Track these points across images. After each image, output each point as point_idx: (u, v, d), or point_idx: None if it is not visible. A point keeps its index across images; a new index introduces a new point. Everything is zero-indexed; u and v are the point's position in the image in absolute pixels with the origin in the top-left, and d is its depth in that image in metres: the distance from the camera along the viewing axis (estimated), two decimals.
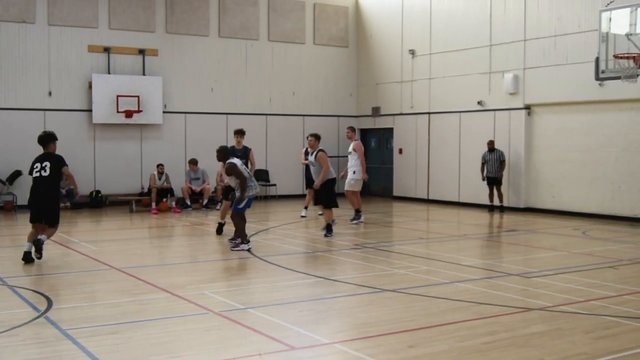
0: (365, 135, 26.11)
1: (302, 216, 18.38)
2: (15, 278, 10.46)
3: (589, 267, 11.32)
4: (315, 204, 15.68)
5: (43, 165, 11.72)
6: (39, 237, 11.64)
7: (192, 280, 10.12)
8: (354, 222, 17.05)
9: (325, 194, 15.01)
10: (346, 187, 17.39)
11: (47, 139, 12.06)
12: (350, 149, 17.40)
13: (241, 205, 12.90)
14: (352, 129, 17.90)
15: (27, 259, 11.58)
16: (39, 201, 11.75)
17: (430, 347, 6.76)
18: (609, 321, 7.81)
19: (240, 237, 13.07)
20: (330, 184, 15.07)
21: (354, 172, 17.19)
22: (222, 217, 15.19)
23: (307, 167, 18.87)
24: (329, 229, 14.87)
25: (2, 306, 8.75)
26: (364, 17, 25.82)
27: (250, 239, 13.42)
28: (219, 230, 15.08)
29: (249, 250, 12.79)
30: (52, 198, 11.85)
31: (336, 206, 15.09)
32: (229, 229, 14.48)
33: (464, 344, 6.86)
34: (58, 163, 11.80)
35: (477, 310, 8.28)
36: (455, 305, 8.53)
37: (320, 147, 15.18)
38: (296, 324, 7.72)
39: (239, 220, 13.03)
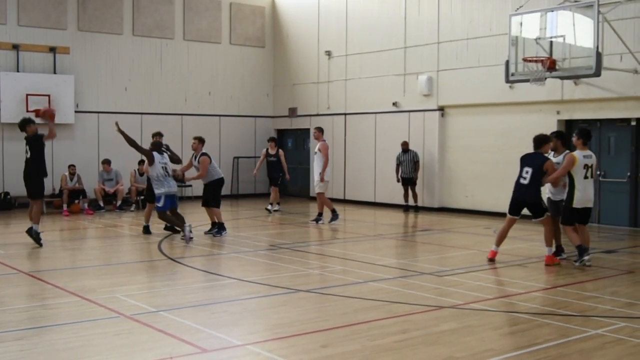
0: (282, 136, 26.12)
1: (268, 210, 20.17)
2: None
3: (499, 265, 11.58)
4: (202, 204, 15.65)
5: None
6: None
7: (103, 284, 9.90)
8: (334, 222, 17.35)
9: (210, 194, 15.18)
10: (316, 190, 17.51)
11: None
12: (316, 149, 17.36)
13: (160, 204, 13.96)
14: (319, 129, 17.73)
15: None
16: None
17: (343, 347, 6.79)
18: (517, 317, 8.00)
19: (179, 227, 14.15)
20: (216, 184, 15.17)
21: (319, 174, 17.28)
22: (147, 220, 15.39)
23: (269, 165, 20.06)
24: (220, 227, 15.02)
25: None
26: (280, 17, 25.81)
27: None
28: (146, 230, 15.34)
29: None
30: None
31: (217, 206, 15.15)
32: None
33: (376, 343, 6.91)
34: None
35: (390, 309, 8.37)
36: (368, 305, 8.60)
37: (204, 151, 15.22)
38: (208, 326, 7.64)
39: (166, 217, 14.20)
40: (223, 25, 24.98)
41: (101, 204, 20.30)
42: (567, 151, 11.75)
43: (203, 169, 14.90)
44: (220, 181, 15.27)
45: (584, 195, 11.27)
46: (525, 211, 11.82)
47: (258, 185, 25.42)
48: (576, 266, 11.26)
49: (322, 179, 17.20)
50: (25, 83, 20.63)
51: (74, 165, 20.45)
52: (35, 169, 13.53)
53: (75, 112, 21.57)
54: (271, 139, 20.52)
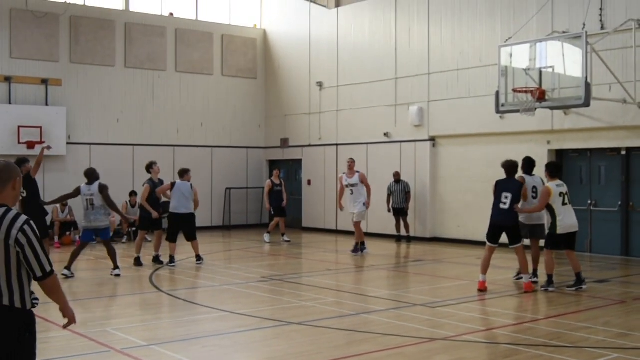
0: (274, 166, 26.14)
1: (287, 240, 20.07)
2: None
3: (491, 295, 11.56)
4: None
5: None
6: None
7: (93, 317, 9.86)
8: (364, 252, 17.37)
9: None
10: (356, 219, 17.31)
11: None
12: (356, 180, 17.21)
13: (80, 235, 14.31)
14: (353, 160, 17.79)
15: None
16: None
17: None
18: (508, 349, 7.98)
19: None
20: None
21: (363, 204, 17.23)
22: (156, 250, 15.65)
23: (275, 195, 20.06)
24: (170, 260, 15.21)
25: None
26: (272, 48, 25.97)
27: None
28: (155, 260, 15.47)
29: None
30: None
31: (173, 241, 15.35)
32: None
33: None
34: None
35: (382, 341, 8.34)
36: (361, 337, 8.57)
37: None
38: (201, 359, 7.61)
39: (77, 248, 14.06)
40: (215, 57, 25.11)
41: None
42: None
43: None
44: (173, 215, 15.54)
45: (567, 220, 11.70)
46: (505, 240, 11.94)
47: (250, 216, 25.40)
48: (549, 291, 11.63)
49: (368, 206, 17.34)
50: (16, 115, 20.64)
51: None
52: (36, 209, 13.65)
53: (67, 143, 21.57)
54: (276, 169, 20.48)
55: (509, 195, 11.83)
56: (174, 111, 24.04)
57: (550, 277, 11.80)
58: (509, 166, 12.14)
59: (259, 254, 18.01)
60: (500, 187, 12.04)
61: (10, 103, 20.93)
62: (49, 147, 16.45)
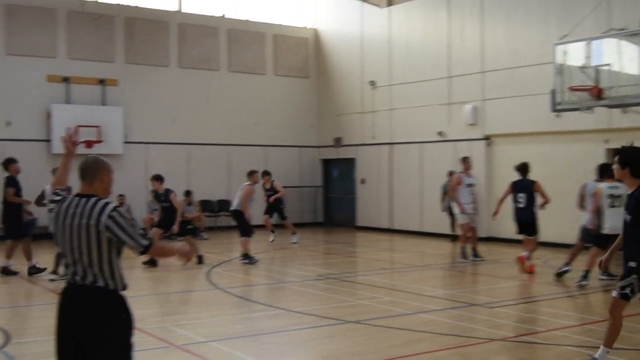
0: (328, 165, 26.18)
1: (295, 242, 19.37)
2: None
3: (551, 296, 11.41)
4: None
5: None
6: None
7: (152, 313, 10.00)
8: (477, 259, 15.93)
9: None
10: (472, 223, 15.99)
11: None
12: (474, 180, 16.14)
13: None
14: (469, 158, 16.49)
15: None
16: None
17: None
18: (569, 351, 7.86)
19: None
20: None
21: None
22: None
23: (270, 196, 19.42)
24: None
25: None
26: (324, 48, 26.00)
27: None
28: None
29: None
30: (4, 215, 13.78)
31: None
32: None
33: None
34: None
35: (439, 341, 8.29)
36: (418, 337, 8.53)
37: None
38: (258, 356, 7.66)
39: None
40: (267, 57, 25.25)
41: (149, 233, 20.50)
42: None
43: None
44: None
45: (611, 223, 11.57)
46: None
47: (304, 214, 25.44)
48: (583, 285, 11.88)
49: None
50: (75, 115, 21.02)
51: (123, 195, 20.75)
52: (14, 209, 13.68)
53: (124, 142, 21.91)
54: (265, 173, 19.75)
55: (524, 195, 13.48)
56: (227, 111, 24.23)
57: (586, 272, 11.96)
58: (522, 167, 13.81)
59: (314, 253, 18.06)
60: (514, 188, 13.65)
61: (68, 103, 21.35)
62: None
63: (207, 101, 23.90)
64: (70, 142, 5.13)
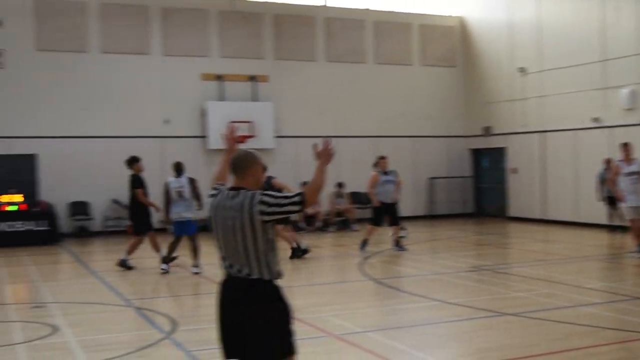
0: (477, 155, 25.76)
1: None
2: (140, 300, 10.83)
3: None
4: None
5: None
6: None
7: (309, 303, 10.20)
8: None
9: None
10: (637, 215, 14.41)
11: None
12: (635, 168, 14.45)
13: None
14: (629, 144, 14.91)
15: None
16: None
17: None
18: None
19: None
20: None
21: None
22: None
23: None
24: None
25: (129, 327, 9.14)
26: (470, 35, 25.56)
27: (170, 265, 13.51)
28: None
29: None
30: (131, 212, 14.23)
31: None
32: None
33: None
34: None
35: (603, 335, 8.00)
36: (580, 330, 8.26)
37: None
38: (415, 347, 7.67)
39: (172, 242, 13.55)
40: (413, 47, 25.13)
41: (302, 225, 20.93)
42: None
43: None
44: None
45: None
46: None
47: (454, 205, 25.18)
48: None
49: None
50: (228, 111, 21.73)
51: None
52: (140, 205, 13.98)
53: (276, 137, 22.45)
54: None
55: None
56: (374, 103, 24.31)
57: None
58: None
59: (465, 244, 17.85)
60: None
61: (222, 100, 22.12)
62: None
63: (355, 94, 24.08)
64: (232, 138, 5.23)
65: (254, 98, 22.59)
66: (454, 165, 25.49)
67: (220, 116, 21.64)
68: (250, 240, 4.51)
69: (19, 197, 18.91)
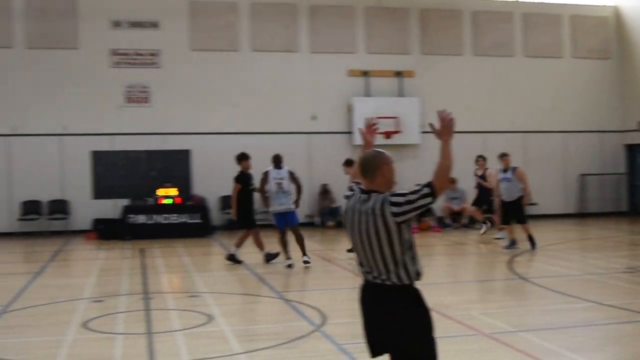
0: (632, 151, 24.58)
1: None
2: (288, 292, 11.07)
3: None
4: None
5: None
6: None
7: (458, 300, 10.08)
8: None
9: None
10: None
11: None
12: None
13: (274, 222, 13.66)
14: None
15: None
16: None
17: None
18: None
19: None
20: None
21: None
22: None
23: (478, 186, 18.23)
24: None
25: (281, 319, 9.37)
26: (626, 26, 24.41)
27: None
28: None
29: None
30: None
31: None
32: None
33: None
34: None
35: None
36: None
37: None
38: (571, 350, 7.42)
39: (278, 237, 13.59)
40: (564, 39, 24.29)
41: (448, 221, 20.73)
42: None
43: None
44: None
45: None
46: None
47: (607, 203, 24.16)
48: None
49: None
50: (374, 107, 21.76)
51: None
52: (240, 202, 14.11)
53: (421, 132, 22.31)
54: (479, 157, 18.58)
55: None
56: (523, 97, 23.69)
57: None
58: None
59: (619, 243, 17.12)
60: None
61: (368, 96, 22.23)
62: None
63: (503, 87, 23.56)
64: (368, 132, 5.11)
65: (400, 93, 22.57)
66: (607, 162, 24.46)
67: (366, 112, 21.67)
68: (386, 245, 4.39)
69: (174, 191, 19.77)
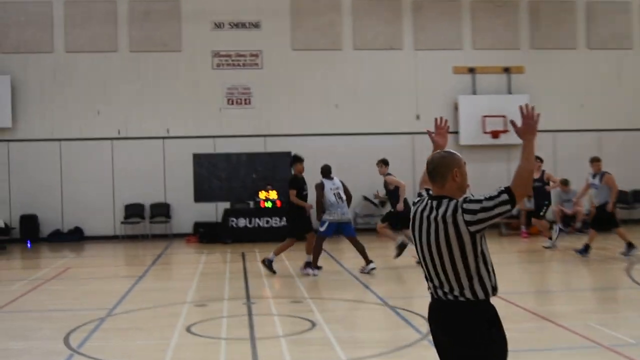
0: None
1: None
2: (394, 299, 10.54)
3: None
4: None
5: None
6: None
7: (573, 310, 9.36)
8: None
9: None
10: None
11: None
12: None
13: (323, 229, 12.87)
14: None
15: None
16: None
17: None
18: None
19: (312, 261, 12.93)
20: None
21: None
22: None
23: None
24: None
25: (384, 326, 9.02)
26: None
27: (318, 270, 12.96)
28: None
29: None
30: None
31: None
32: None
33: None
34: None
35: None
36: None
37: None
38: None
39: (317, 244, 12.87)
40: None
41: (560, 226, 19.60)
42: None
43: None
44: None
45: None
46: None
47: None
48: None
49: None
50: (480, 105, 21.01)
51: None
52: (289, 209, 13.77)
53: None
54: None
55: None
56: None
57: None
58: None
59: None
60: None
61: (474, 94, 21.41)
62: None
63: (619, 83, 22.21)
64: (438, 134, 4.74)
65: (508, 91, 21.64)
66: None
67: (472, 110, 21.02)
68: (459, 257, 3.87)
69: (274, 194, 19.53)
